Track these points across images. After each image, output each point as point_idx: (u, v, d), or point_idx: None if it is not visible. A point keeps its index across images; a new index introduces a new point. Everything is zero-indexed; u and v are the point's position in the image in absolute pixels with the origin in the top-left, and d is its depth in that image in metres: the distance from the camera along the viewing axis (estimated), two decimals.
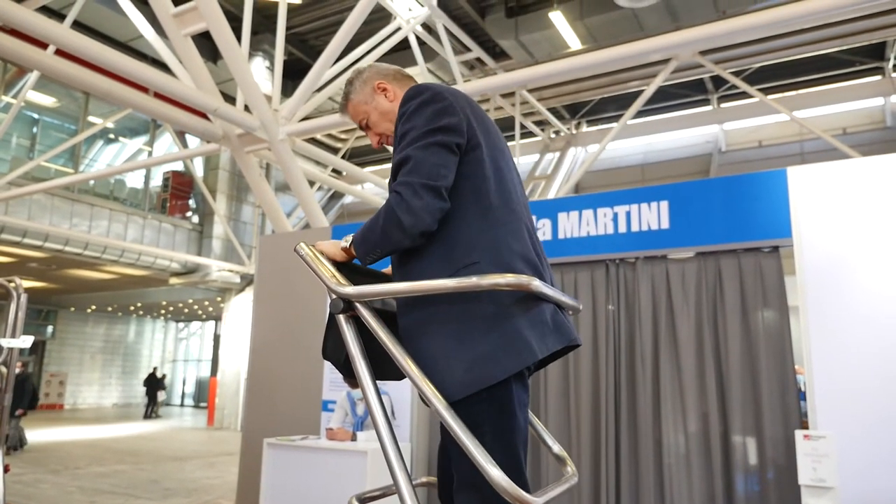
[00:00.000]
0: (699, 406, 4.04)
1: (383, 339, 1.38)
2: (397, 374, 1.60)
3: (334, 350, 1.61)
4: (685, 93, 14.76)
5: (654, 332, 4.23)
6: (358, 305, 1.42)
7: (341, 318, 1.42)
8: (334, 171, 17.83)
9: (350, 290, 1.39)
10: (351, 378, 1.44)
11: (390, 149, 1.72)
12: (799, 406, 3.83)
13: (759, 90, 11.61)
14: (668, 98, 14.71)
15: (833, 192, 3.68)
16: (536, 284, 1.34)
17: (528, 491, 1.24)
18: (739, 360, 3.95)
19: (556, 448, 1.70)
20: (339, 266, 1.53)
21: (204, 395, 25.76)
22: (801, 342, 3.63)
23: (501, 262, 1.51)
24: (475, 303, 1.47)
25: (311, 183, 13.70)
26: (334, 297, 1.43)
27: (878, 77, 13.44)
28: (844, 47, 12.45)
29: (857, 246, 3.56)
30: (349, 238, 1.59)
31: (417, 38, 11.62)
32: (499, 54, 13.43)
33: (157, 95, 8.69)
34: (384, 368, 1.54)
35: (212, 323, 27.16)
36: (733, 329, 3.99)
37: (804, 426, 3.62)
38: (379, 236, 1.53)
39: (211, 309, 23.18)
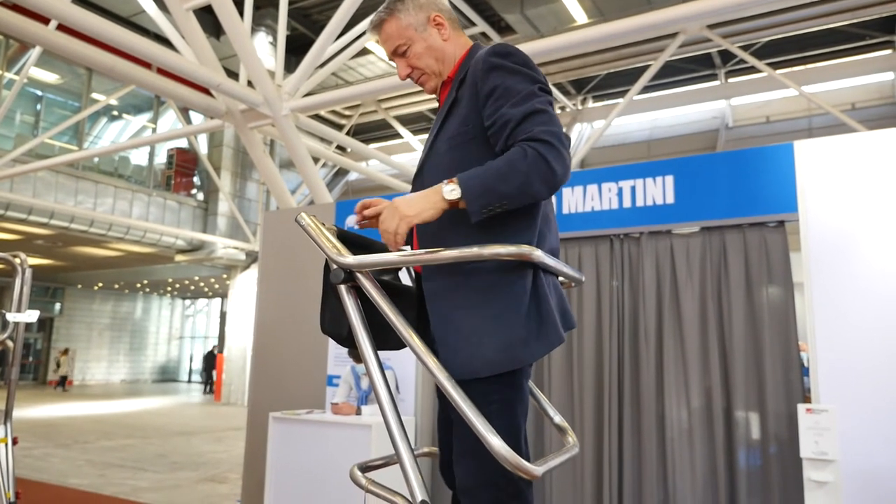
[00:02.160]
0: (702, 381, 4.05)
1: (386, 310, 1.37)
2: (398, 343, 1.60)
3: (333, 323, 1.60)
4: (692, 67, 14.59)
5: (658, 308, 4.23)
6: (359, 276, 1.41)
7: (342, 288, 1.42)
8: (338, 147, 17.77)
9: (351, 259, 1.38)
10: (354, 351, 1.44)
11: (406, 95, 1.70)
12: (802, 382, 3.84)
13: (767, 65, 11.46)
14: (675, 73, 14.55)
15: (840, 167, 3.65)
16: (538, 255, 1.33)
17: (527, 460, 1.25)
18: (743, 336, 3.95)
19: (558, 419, 1.70)
20: (339, 237, 1.52)
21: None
22: (805, 318, 3.62)
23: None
24: (509, 277, 1.43)
25: (316, 159, 13.67)
26: (335, 267, 1.42)
27: (888, 51, 13.25)
28: (854, 21, 12.25)
29: (863, 221, 3.53)
30: (453, 187, 1.37)
31: None
32: (504, 28, 13.29)
33: (160, 71, 8.66)
34: (384, 338, 1.54)
35: (218, 300, 27.33)
36: (737, 304, 3.99)
37: (807, 402, 3.63)
38: (516, 187, 1.36)
39: (217, 286, 23.31)
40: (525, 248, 1.31)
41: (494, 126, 1.47)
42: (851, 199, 3.56)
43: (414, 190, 1.59)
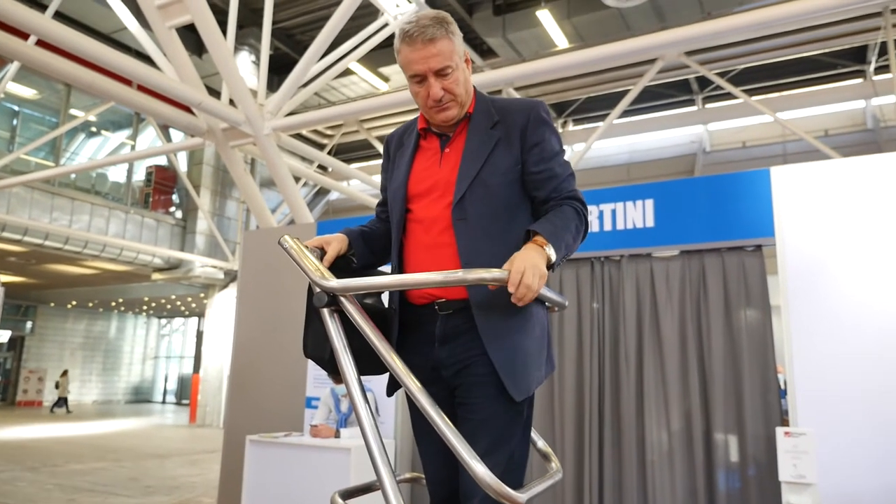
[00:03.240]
0: (682, 404, 4.06)
1: (369, 334, 1.36)
2: (380, 368, 1.59)
3: (315, 347, 1.59)
4: (670, 93, 14.85)
5: (639, 330, 4.25)
6: (343, 300, 1.40)
7: (325, 312, 1.41)
8: (319, 166, 17.75)
9: (335, 283, 1.37)
10: (335, 374, 1.43)
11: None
12: (780, 404, 3.86)
13: (744, 91, 11.70)
14: (653, 98, 14.79)
15: (815, 193, 3.71)
16: None
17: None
18: (722, 359, 3.98)
19: (541, 444, 1.70)
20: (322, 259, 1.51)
21: (186, 392, 25.55)
22: (783, 341, 3.66)
23: None
24: (540, 309, 1.63)
25: (297, 179, 13.62)
26: (318, 290, 1.41)
27: (860, 80, 13.60)
28: (827, 50, 12.60)
29: (838, 246, 3.59)
30: (550, 249, 1.46)
31: None
32: (486, 52, 13.44)
33: (141, 88, 8.59)
34: (366, 362, 1.52)
35: (195, 319, 26.95)
36: (716, 327, 4.02)
37: (785, 424, 3.65)
38: (574, 240, 1.59)
39: (194, 305, 23.00)
40: (507, 273, 1.32)
41: (542, 174, 1.65)
42: (826, 225, 3.63)
43: (454, 217, 1.61)
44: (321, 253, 1.57)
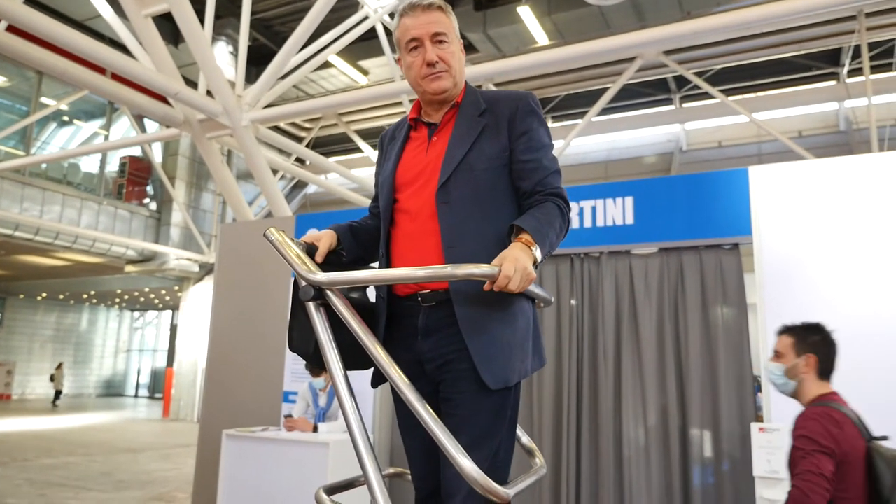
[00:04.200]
0: (659, 400, 4.10)
1: (355, 327, 1.35)
2: (364, 363, 1.58)
3: (301, 341, 1.57)
4: (649, 91, 14.97)
5: (617, 327, 4.28)
6: (329, 293, 1.39)
7: (311, 306, 1.39)
8: (297, 159, 17.60)
9: (322, 277, 1.36)
10: (319, 368, 1.42)
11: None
12: (755, 401, 3.93)
13: (720, 91, 11.83)
14: (632, 96, 14.90)
15: (792, 192, 3.77)
16: None
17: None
18: (699, 356, 4.03)
19: (525, 439, 1.70)
20: (307, 252, 1.50)
21: (159, 385, 25.24)
22: (758, 338, 3.71)
23: None
24: (521, 298, 1.59)
25: (274, 171, 13.49)
26: (304, 284, 1.39)
27: (833, 82, 13.84)
28: (801, 52, 12.79)
29: (814, 245, 3.65)
30: (536, 249, 1.47)
31: (385, 27, 11.52)
32: (466, 47, 13.30)
33: (115, 77, 8.43)
34: (351, 358, 1.51)
35: (168, 312, 26.61)
36: (693, 325, 4.06)
37: (759, 420, 3.71)
38: (557, 238, 1.60)
39: (168, 298, 22.71)
40: (496, 270, 1.32)
41: (528, 164, 1.65)
42: (803, 224, 3.69)
43: (438, 199, 1.61)
44: (307, 247, 1.55)
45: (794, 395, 2.45)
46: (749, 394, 3.90)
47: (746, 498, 3.68)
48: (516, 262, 1.38)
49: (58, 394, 21.29)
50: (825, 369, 2.36)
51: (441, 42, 1.66)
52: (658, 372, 4.13)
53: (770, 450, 3.35)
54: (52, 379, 21.63)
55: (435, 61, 1.65)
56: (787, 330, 2.48)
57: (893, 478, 2.00)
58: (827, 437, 2.12)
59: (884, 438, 2.15)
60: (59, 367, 22.08)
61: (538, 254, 1.46)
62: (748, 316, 3.97)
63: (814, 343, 2.44)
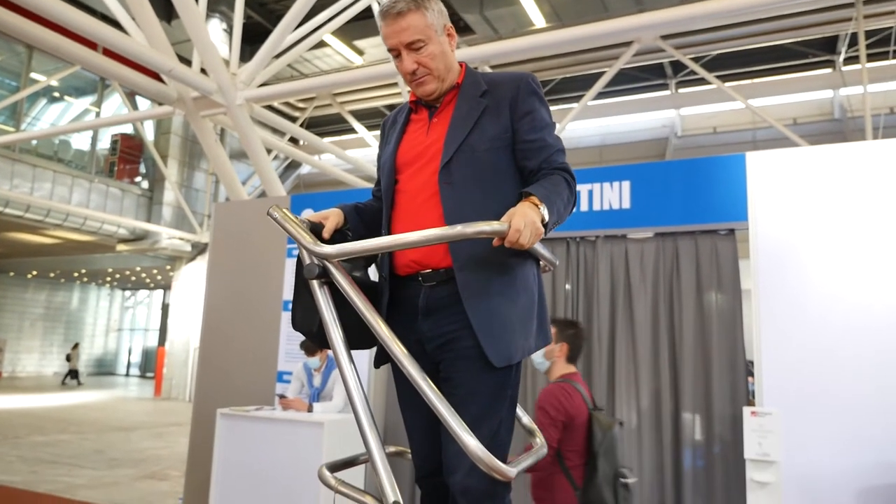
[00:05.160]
0: (652, 383, 4.13)
1: (358, 303, 1.35)
2: (368, 343, 1.59)
3: (304, 319, 1.58)
4: (645, 76, 14.92)
5: (612, 310, 4.30)
6: (333, 270, 1.38)
7: (315, 283, 1.39)
8: (291, 139, 17.49)
9: (329, 249, 1.36)
10: (323, 347, 1.42)
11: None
12: (747, 385, 3.96)
13: (716, 77, 11.81)
14: (627, 81, 14.85)
15: (790, 179, 3.77)
16: None
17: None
18: (692, 340, 4.05)
19: (526, 420, 1.71)
20: (312, 231, 1.49)
21: (150, 365, 25.22)
22: (752, 324, 3.74)
23: None
24: (526, 274, 1.60)
25: (268, 151, 13.42)
26: (308, 261, 1.39)
27: (829, 70, 13.83)
28: (798, 39, 12.76)
29: (810, 232, 3.67)
30: (544, 210, 1.45)
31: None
32: (463, 29, 13.30)
33: (107, 53, 8.32)
34: (353, 338, 1.51)
35: (160, 292, 26.54)
36: (688, 309, 4.09)
37: (751, 405, 3.74)
38: (565, 208, 1.59)
39: (160, 277, 22.63)
40: (506, 226, 1.33)
41: (534, 143, 1.66)
42: (799, 211, 3.70)
43: (441, 180, 1.61)
44: (310, 224, 1.55)
45: (547, 372, 3.12)
46: (742, 378, 3.93)
47: (737, 480, 3.73)
48: (525, 217, 1.38)
49: (74, 373, 21.41)
50: (573, 356, 3.02)
51: (418, 49, 1.64)
52: (652, 356, 4.16)
53: (762, 433, 3.38)
54: (68, 359, 21.87)
55: (413, 69, 1.66)
56: (553, 321, 2.98)
57: (602, 436, 2.75)
58: (558, 408, 2.84)
59: (600, 409, 2.91)
60: (76, 346, 22.26)
61: (545, 213, 1.45)
62: (742, 302, 4.00)
63: (568, 335, 3.06)
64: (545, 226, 1.45)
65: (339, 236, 1.62)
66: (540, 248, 1.51)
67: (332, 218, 1.64)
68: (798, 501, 3.32)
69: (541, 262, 1.67)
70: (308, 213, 1.67)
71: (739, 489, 3.65)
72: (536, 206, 1.45)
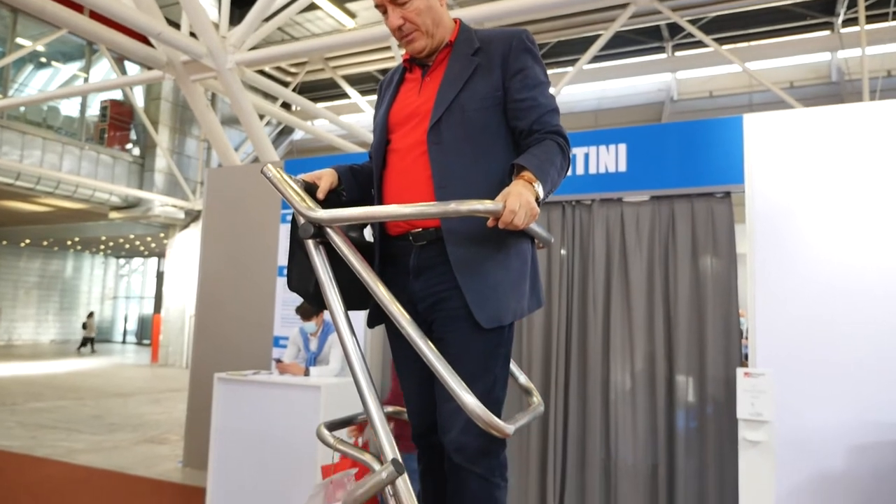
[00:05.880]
0: (646, 346, 4.17)
1: (355, 264, 1.34)
2: (361, 303, 1.59)
3: (300, 280, 1.57)
4: (641, 39, 14.73)
5: (607, 274, 4.31)
6: (329, 231, 1.37)
7: (310, 244, 1.38)
8: (283, 105, 17.28)
9: (323, 214, 1.34)
10: (319, 307, 1.42)
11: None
12: (740, 347, 4.00)
13: (713, 40, 11.67)
14: (623, 44, 14.66)
15: (787, 141, 3.75)
16: None
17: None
18: (687, 303, 4.08)
19: (523, 379, 1.72)
20: (306, 190, 1.48)
21: (146, 332, 25.31)
22: (747, 286, 3.75)
23: None
24: (519, 240, 1.58)
25: (260, 117, 13.26)
26: (303, 221, 1.37)
27: (827, 32, 13.67)
28: (796, 0, 12.59)
29: (804, 196, 3.66)
30: (539, 186, 1.43)
31: None
32: None
33: (94, 16, 8.15)
34: (350, 297, 1.51)
35: (154, 259, 26.48)
36: (683, 273, 4.10)
37: (744, 366, 3.78)
38: (558, 176, 1.57)
39: (153, 245, 22.55)
40: (500, 206, 1.31)
41: (524, 103, 1.62)
42: (796, 173, 3.69)
43: (430, 140, 1.58)
44: (305, 184, 1.53)
45: None
46: (736, 341, 3.97)
47: (729, 440, 3.79)
48: (520, 197, 1.36)
49: (90, 341, 21.66)
50: None
51: (402, 3, 1.62)
52: (646, 319, 4.19)
53: (754, 393, 3.43)
54: (84, 327, 22.19)
55: (399, 25, 1.63)
56: None
57: None
58: None
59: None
60: (90, 315, 22.54)
61: (540, 190, 1.44)
62: (737, 266, 4.01)
63: None
64: (539, 201, 1.43)
65: (333, 197, 1.60)
66: (535, 227, 1.49)
67: (325, 178, 1.62)
68: (790, 459, 3.38)
69: (535, 241, 1.64)
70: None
71: (732, 449, 3.71)
72: (531, 183, 1.43)
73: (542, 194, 1.44)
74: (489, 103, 1.61)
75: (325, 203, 1.52)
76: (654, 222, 4.23)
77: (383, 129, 1.68)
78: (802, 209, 3.65)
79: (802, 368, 3.47)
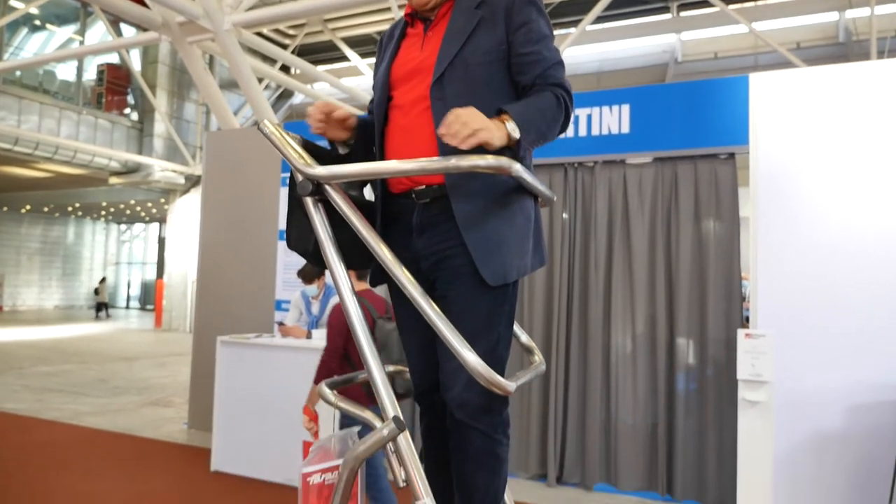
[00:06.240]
0: (648, 309, 4.17)
1: (355, 222, 1.32)
2: (361, 262, 1.57)
3: (299, 239, 1.55)
4: None
5: (609, 237, 4.30)
6: (328, 189, 1.35)
7: (309, 201, 1.36)
8: (282, 68, 17.06)
9: (321, 170, 1.32)
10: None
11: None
12: (741, 310, 4.00)
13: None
14: (627, 4, 14.39)
15: (794, 101, 3.69)
16: (517, 168, 1.30)
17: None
18: (689, 266, 4.07)
19: (524, 338, 1.72)
20: (304, 147, 1.45)
21: (150, 297, 25.45)
22: (749, 247, 3.74)
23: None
24: (522, 198, 1.56)
25: (259, 80, 13.10)
26: (301, 178, 1.35)
27: None
28: None
29: (811, 156, 3.62)
30: (514, 126, 1.37)
31: None
32: None
33: None
34: (350, 256, 1.49)
35: (156, 225, 26.49)
36: (685, 235, 4.08)
37: (745, 328, 3.79)
38: (553, 132, 1.53)
39: (154, 210, 22.53)
40: (504, 161, 1.28)
41: (528, 57, 1.57)
42: (802, 134, 3.63)
43: (432, 96, 1.55)
44: (304, 141, 1.51)
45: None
46: (737, 304, 3.97)
47: (729, 400, 3.82)
48: (462, 115, 1.32)
49: (104, 306, 21.94)
50: (362, 275, 3.07)
51: None
52: (648, 281, 4.18)
53: (755, 354, 3.44)
54: (96, 292, 22.53)
55: None
56: None
57: (382, 337, 2.87)
58: (343, 320, 2.88)
59: (389, 319, 2.95)
60: (103, 281, 22.83)
61: (515, 132, 1.38)
62: (740, 229, 3.99)
63: None
64: (519, 144, 1.39)
65: (332, 152, 1.57)
66: (537, 183, 1.46)
67: (340, 109, 1.58)
68: (788, 419, 3.41)
69: (538, 199, 1.61)
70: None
71: (731, 410, 3.74)
72: (504, 121, 1.38)
73: (516, 136, 1.39)
74: (493, 57, 1.58)
75: (320, 158, 1.49)
76: (657, 184, 4.19)
77: (385, 84, 1.64)
78: (807, 170, 3.61)
79: (803, 330, 3.48)
